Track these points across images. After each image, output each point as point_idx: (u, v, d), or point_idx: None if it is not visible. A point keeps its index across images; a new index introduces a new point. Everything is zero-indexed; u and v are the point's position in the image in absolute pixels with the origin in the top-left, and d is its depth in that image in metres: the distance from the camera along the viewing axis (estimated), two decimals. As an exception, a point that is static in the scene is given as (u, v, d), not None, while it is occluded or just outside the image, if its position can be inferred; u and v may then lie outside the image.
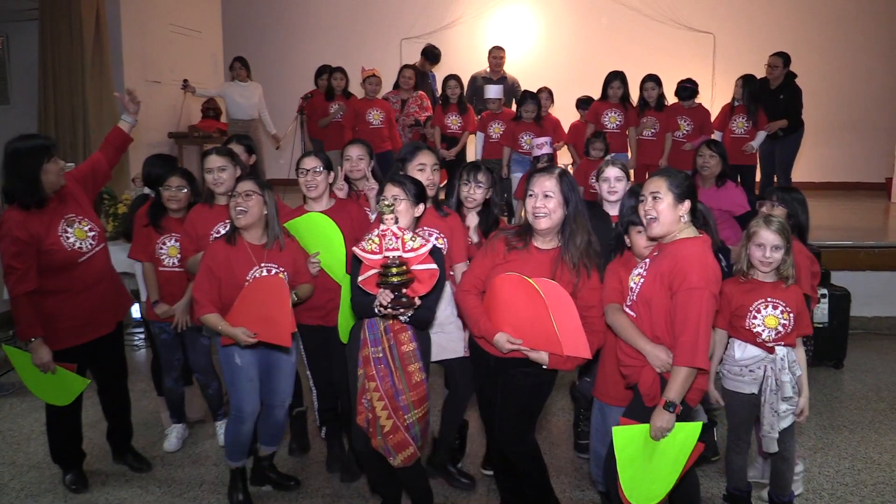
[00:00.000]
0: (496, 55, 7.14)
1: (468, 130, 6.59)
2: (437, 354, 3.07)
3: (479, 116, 6.62)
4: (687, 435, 2.41)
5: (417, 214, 2.85)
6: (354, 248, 2.62)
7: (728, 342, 2.94)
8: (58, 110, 6.80)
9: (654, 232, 2.49)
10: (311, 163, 3.28)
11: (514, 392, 2.77)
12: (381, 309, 2.58)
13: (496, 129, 6.33)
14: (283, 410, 3.28)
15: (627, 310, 2.60)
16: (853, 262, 5.65)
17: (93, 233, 3.20)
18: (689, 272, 2.34)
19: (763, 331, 2.82)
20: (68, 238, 3.09)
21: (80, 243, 3.13)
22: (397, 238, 2.53)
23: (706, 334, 2.33)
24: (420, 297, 2.61)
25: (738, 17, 9.30)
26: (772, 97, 6.29)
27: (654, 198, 2.46)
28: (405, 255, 2.53)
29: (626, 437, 2.47)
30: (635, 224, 2.74)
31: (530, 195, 2.66)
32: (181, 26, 8.28)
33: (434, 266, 2.59)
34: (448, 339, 3.14)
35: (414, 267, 2.55)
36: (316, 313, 3.28)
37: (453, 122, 6.49)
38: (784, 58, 6.38)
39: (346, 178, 3.69)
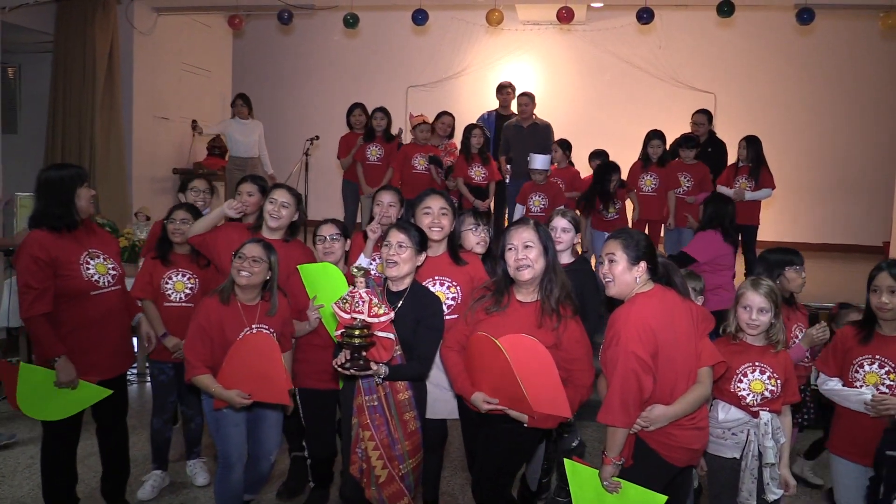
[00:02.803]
0: (521, 102, 6.83)
1: (493, 180, 6.40)
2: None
3: (508, 172, 6.59)
4: (641, 500, 2.41)
5: (418, 264, 2.86)
6: (332, 305, 2.65)
7: (712, 403, 2.84)
8: (65, 142, 6.88)
9: (610, 293, 2.54)
10: (329, 230, 3.31)
11: (493, 448, 2.76)
12: (340, 369, 2.59)
13: (537, 203, 6.05)
14: (269, 462, 3.23)
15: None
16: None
17: (114, 272, 3.16)
18: (621, 329, 2.38)
19: (748, 395, 2.74)
20: (88, 269, 3.05)
21: (99, 277, 3.08)
22: (364, 302, 2.56)
23: (625, 393, 2.33)
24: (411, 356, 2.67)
25: (739, 77, 9.47)
26: (701, 151, 6.45)
27: (610, 260, 2.50)
28: (368, 320, 2.56)
29: (577, 474, 2.55)
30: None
31: (509, 248, 2.67)
32: (192, 65, 8.42)
33: (391, 336, 2.62)
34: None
35: (376, 332, 2.58)
36: (321, 377, 3.24)
37: (477, 172, 6.29)
38: (707, 115, 6.67)
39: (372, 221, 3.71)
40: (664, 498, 2.39)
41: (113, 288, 3.15)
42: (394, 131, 6.77)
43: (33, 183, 3.09)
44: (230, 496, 3.08)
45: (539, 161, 5.98)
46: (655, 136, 6.22)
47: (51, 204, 3.01)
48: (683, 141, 6.22)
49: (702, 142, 6.54)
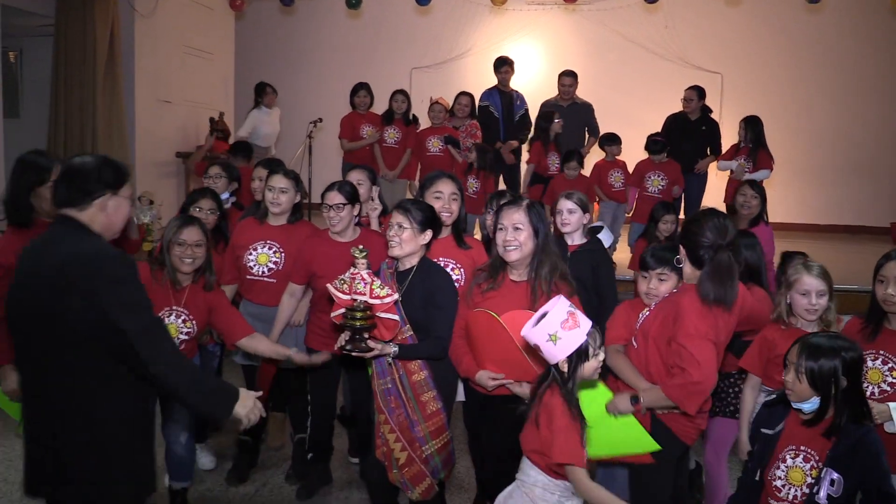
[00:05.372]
0: (565, 83, 6.67)
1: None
2: None
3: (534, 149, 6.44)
4: (637, 437, 2.47)
5: (423, 242, 2.81)
6: (328, 285, 2.62)
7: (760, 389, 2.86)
8: (68, 126, 6.84)
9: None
10: (335, 198, 3.25)
11: (499, 429, 2.74)
12: (342, 349, 2.59)
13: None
14: (182, 445, 3.20)
15: (633, 341, 2.64)
16: (860, 306, 5.58)
17: None
18: (686, 321, 2.38)
19: None
20: None
21: None
22: (366, 283, 2.53)
23: (705, 381, 2.33)
24: (434, 332, 2.68)
25: (746, 58, 9.37)
26: (693, 129, 6.46)
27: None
28: (370, 301, 2.53)
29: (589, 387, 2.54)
30: (646, 268, 2.80)
31: (500, 229, 2.68)
32: (194, 48, 8.36)
33: (396, 317, 2.59)
34: None
35: (378, 314, 2.55)
36: (326, 339, 3.24)
37: (553, 161, 6.17)
38: (699, 91, 6.54)
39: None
40: (656, 447, 2.45)
41: None
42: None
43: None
44: None
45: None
46: (667, 210, 4.77)
47: (10, 195, 2.86)
48: (651, 144, 6.09)
49: (693, 119, 6.53)
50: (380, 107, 6.73)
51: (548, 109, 6.61)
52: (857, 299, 5.61)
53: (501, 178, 6.79)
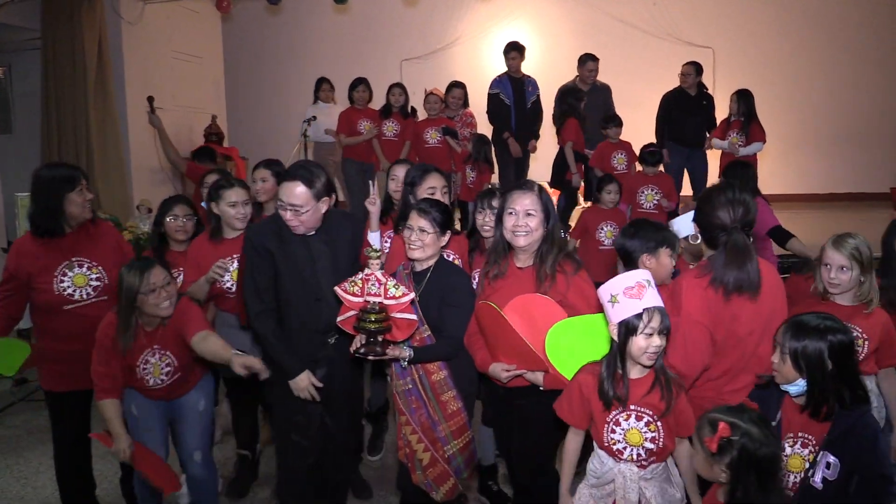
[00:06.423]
0: (590, 67, 6.61)
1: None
2: None
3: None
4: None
5: (443, 244, 2.78)
6: (336, 288, 2.57)
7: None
8: (61, 138, 6.79)
9: None
10: (260, 173, 3.38)
11: (527, 423, 2.68)
12: (356, 353, 2.54)
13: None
14: (197, 464, 3.06)
15: None
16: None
17: (97, 283, 3.01)
18: (682, 302, 2.37)
19: None
20: (62, 282, 2.94)
21: (74, 290, 2.96)
22: (380, 284, 2.48)
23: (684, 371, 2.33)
24: (443, 333, 2.65)
25: (738, 31, 9.32)
26: (694, 104, 6.47)
27: None
28: (385, 302, 2.48)
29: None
30: (670, 245, 2.74)
31: (510, 213, 2.61)
32: (182, 52, 8.30)
33: (413, 317, 2.53)
34: None
35: (393, 314, 2.51)
36: None
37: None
38: (696, 66, 6.55)
39: (389, 198, 3.63)
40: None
41: (94, 300, 3.01)
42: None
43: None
44: (148, 496, 3.05)
45: (685, 225, 3.16)
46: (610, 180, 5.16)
47: (38, 208, 2.92)
48: (647, 155, 5.65)
49: (692, 94, 6.54)
50: (374, 101, 6.70)
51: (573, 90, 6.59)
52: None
53: (512, 169, 6.77)
